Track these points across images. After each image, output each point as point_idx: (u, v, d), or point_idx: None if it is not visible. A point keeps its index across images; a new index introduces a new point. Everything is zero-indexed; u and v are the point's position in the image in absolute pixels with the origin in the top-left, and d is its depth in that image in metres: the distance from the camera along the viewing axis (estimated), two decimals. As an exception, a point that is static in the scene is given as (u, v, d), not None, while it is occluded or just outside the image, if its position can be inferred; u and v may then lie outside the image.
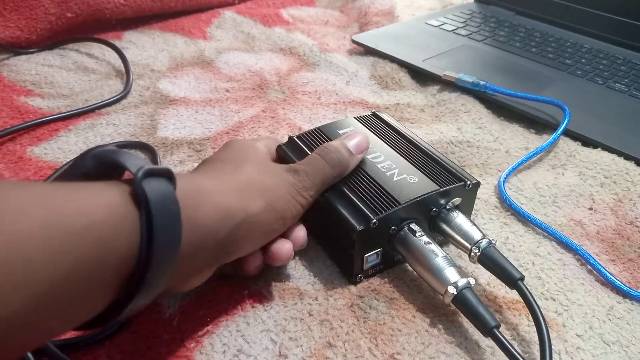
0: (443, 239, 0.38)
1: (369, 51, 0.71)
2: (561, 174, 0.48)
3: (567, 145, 0.52)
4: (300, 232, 0.35)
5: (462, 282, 0.31)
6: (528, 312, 0.32)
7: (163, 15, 0.80)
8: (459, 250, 0.37)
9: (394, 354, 0.31)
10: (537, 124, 0.56)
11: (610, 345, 0.33)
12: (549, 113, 0.55)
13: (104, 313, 0.23)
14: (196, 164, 0.48)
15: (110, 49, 0.67)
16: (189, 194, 0.26)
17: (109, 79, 0.63)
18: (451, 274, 0.32)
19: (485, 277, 0.37)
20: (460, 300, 0.31)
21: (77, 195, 0.22)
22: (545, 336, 0.30)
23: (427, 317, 0.34)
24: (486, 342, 0.32)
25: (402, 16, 0.85)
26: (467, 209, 0.39)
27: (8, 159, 0.48)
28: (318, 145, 0.37)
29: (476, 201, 0.41)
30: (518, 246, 0.40)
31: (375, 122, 0.43)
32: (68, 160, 0.48)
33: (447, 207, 0.36)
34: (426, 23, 0.78)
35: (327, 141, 0.38)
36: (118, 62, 0.66)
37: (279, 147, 0.40)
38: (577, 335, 0.33)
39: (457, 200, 0.37)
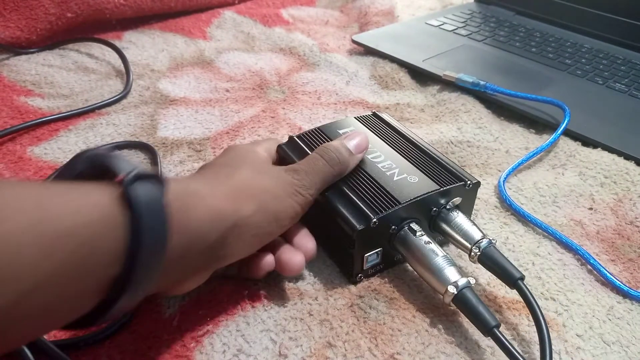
0: (443, 239, 0.38)
1: (369, 51, 0.71)
2: (561, 174, 0.48)
3: (567, 145, 0.52)
4: (310, 245, 0.35)
5: (462, 281, 0.31)
6: (528, 312, 0.32)
7: (163, 15, 0.80)
8: (459, 250, 0.37)
9: (394, 354, 0.31)
10: (537, 124, 0.56)
11: (610, 345, 0.33)
12: (549, 113, 0.55)
13: (91, 313, 0.23)
14: (196, 164, 0.48)
15: (110, 49, 0.67)
16: (179, 196, 0.26)
17: (109, 79, 0.63)
18: (451, 274, 0.32)
19: (485, 277, 0.37)
20: (460, 299, 0.31)
21: (66, 195, 0.22)
22: (546, 336, 0.30)
23: (427, 317, 0.34)
24: (486, 342, 0.32)
25: (402, 16, 0.85)
26: (467, 208, 0.39)
27: (8, 159, 0.48)
28: (318, 145, 0.37)
29: (476, 201, 0.41)
30: (518, 246, 0.40)
31: (375, 122, 0.43)
32: (68, 160, 0.48)
33: (447, 206, 0.36)
34: (426, 23, 0.78)
35: (327, 141, 0.38)
36: (118, 62, 0.66)
37: (279, 147, 0.40)
38: (577, 335, 0.33)
39: (457, 200, 0.37)
